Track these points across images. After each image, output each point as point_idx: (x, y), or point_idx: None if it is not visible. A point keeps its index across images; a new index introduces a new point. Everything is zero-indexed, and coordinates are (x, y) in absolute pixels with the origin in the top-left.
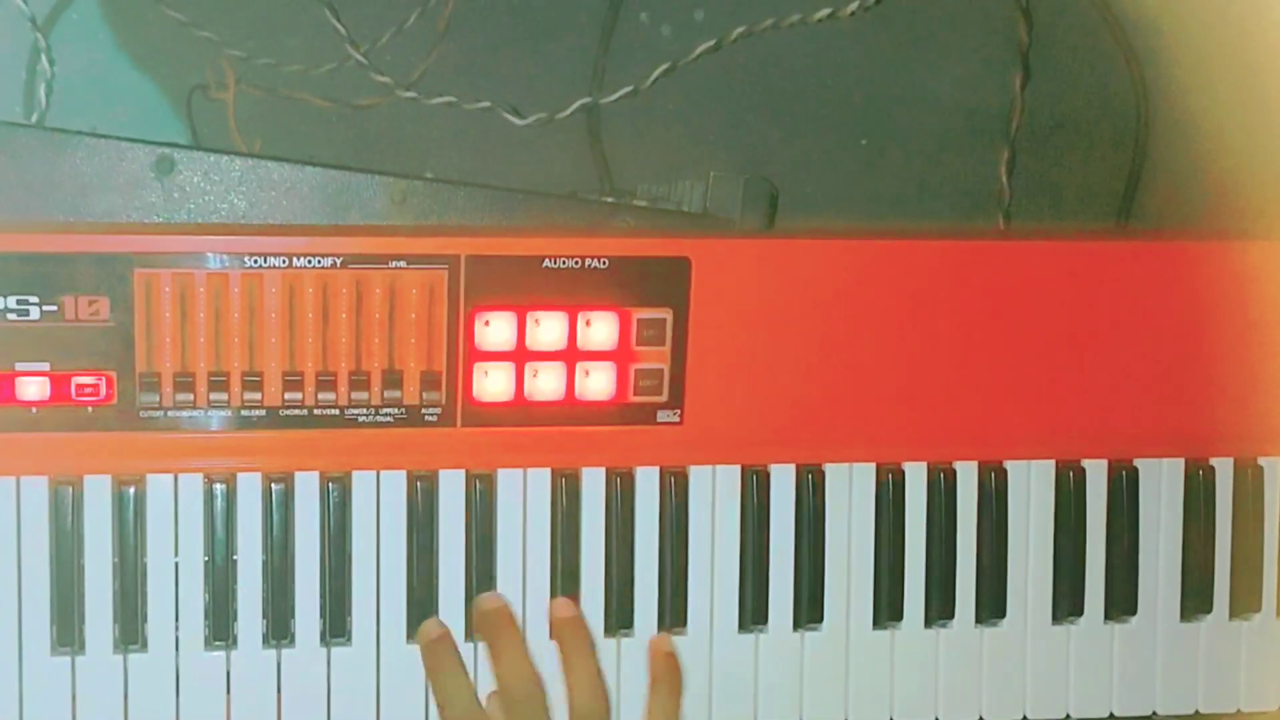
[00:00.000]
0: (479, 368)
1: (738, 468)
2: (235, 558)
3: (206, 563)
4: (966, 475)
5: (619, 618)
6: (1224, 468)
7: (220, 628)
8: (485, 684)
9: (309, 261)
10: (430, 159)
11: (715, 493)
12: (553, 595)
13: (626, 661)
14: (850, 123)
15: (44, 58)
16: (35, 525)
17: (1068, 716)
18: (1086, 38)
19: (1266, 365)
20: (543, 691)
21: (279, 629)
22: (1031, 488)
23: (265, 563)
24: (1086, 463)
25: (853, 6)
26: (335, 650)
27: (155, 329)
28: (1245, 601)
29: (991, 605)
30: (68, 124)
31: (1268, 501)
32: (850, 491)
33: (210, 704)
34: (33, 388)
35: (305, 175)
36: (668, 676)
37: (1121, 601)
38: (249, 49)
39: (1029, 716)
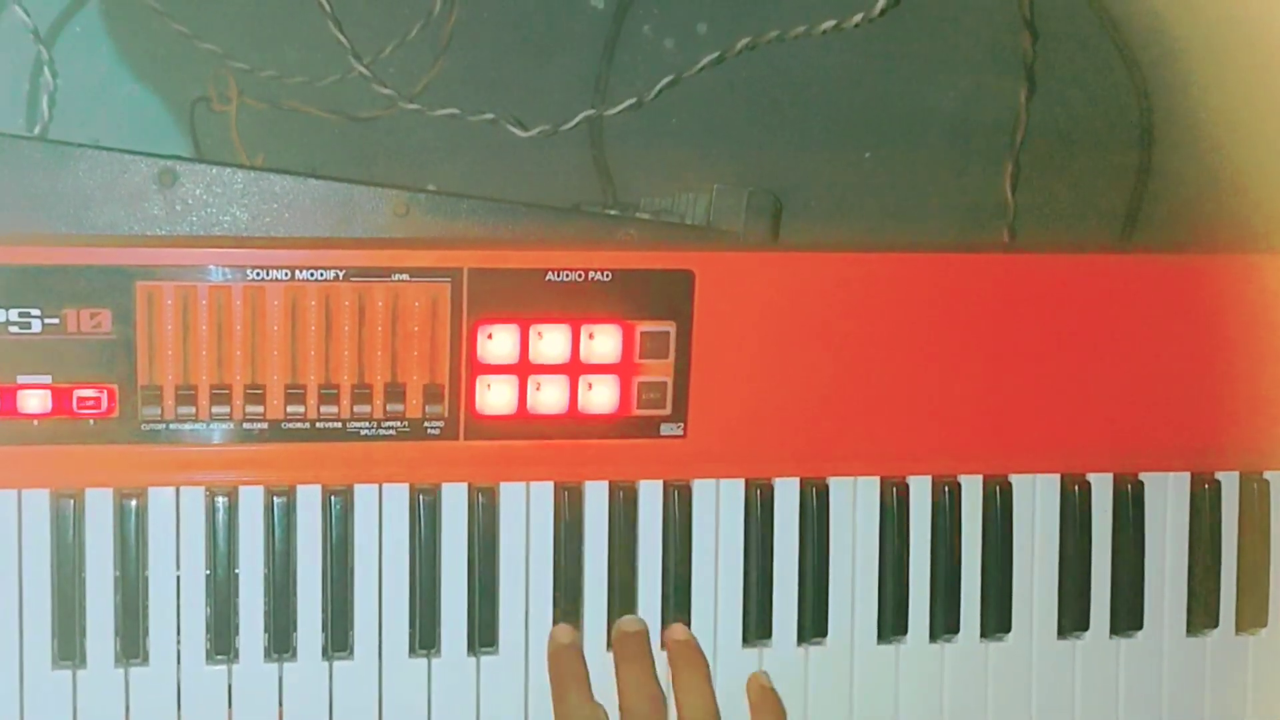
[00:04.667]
0: (481, 381)
1: (741, 481)
2: (237, 571)
3: (208, 576)
4: (971, 489)
5: None
6: (1230, 482)
7: (222, 641)
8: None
9: (311, 274)
10: (433, 171)
11: (719, 506)
12: (555, 608)
13: None
14: (854, 136)
15: (47, 70)
16: (37, 538)
17: None
18: (1091, 51)
19: (1272, 379)
20: (664, 713)
21: (281, 643)
22: (1036, 502)
23: (267, 576)
24: (1092, 477)
25: (857, 19)
26: (337, 664)
27: (157, 342)
28: (1251, 616)
29: (997, 620)
30: (70, 136)
31: (1274, 516)
32: (854, 505)
33: (212, 718)
34: (34, 400)
35: (308, 187)
36: (767, 707)
37: (1127, 616)
38: (252, 61)
39: None
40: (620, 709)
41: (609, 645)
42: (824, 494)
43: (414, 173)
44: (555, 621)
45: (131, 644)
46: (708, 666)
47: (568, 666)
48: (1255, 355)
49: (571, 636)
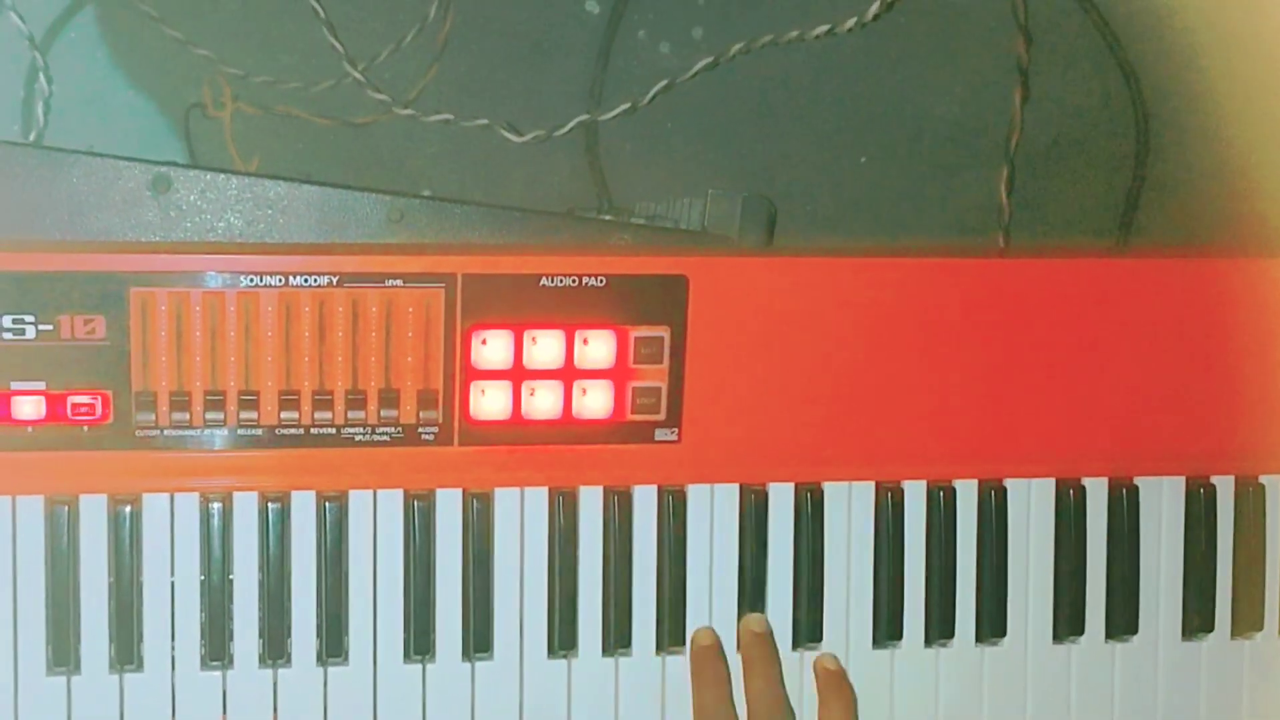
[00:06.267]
0: (476, 386)
1: (736, 486)
2: (231, 577)
3: (203, 582)
4: (966, 493)
5: (617, 637)
6: (1225, 486)
7: (216, 647)
8: None
9: (305, 280)
10: (427, 176)
11: (713, 512)
12: (550, 614)
13: (624, 680)
14: (849, 140)
15: (42, 76)
16: (31, 544)
17: None
18: (1086, 55)
19: (1267, 383)
20: (790, 716)
21: (275, 648)
22: (1031, 506)
23: (262, 582)
24: (1087, 481)
25: (851, 23)
26: (332, 670)
27: (151, 348)
28: (1247, 620)
29: (992, 624)
30: (65, 143)
31: (1269, 520)
32: (849, 510)
33: None
34: (29, 407)
35: (302, 193)
36: (837, 691)
37: (1122, 621)
38: (246, 67)
39: None
40: (749, 713)
41: (603, 650)
42: (819, 499)
43: (408, 178)
44: (550, 627)
45: (126, 650)
46: (779, 661)
47: (708, 669)
48: (1250, 359)
49: (712, 638)
